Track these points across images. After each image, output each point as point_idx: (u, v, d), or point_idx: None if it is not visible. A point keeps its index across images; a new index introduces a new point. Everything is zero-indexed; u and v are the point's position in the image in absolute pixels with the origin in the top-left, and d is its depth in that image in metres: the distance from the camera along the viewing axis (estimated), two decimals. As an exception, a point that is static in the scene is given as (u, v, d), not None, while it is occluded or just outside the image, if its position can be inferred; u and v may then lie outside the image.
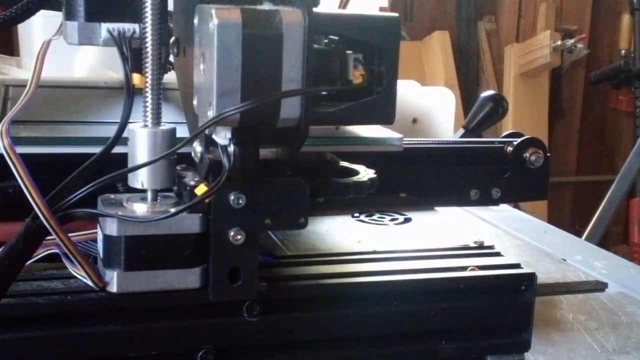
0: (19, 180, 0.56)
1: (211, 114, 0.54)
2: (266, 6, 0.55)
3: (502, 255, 0.76)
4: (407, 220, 0.86)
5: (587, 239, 2.25)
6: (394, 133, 0.80)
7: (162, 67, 0.63)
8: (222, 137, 0.57)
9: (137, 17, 0.62)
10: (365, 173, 0.71)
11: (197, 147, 0.61)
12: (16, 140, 0.58)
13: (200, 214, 0.60)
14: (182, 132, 0.62)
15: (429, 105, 1.15)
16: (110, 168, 0.59)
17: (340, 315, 0.67)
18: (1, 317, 0.58)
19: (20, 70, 1.41)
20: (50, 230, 0.56)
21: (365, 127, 0.81)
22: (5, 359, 0.58)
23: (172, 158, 0.61)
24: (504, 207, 1.30)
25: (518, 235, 1.19)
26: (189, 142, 0.58)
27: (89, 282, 0.59)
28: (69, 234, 0.59)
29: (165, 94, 0.64)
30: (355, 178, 0.70)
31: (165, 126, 0.61)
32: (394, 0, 3.06)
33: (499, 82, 3.28)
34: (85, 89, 0.92)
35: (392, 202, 0.88)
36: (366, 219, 0.85)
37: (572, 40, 3.19)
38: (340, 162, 0.73)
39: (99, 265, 0.61)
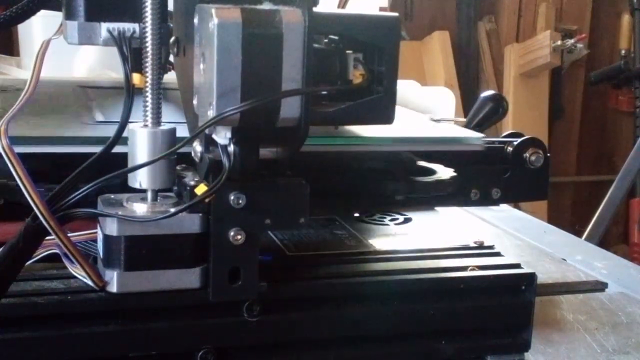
0: (18, 181, 0.56)
1: (211, 113, 0.54)
2: (266, 6, 0.55)
3: (502, 255, 0.76)
4: (407, 220, 0.86)
5: (587, 239, 2.25)
6: (474, 133, 0.80)
7: (162, 67, 0.63)
8: (222, 136, 0.57)
9: (137, 17, 0.62)
10: (444, 171, 0.73)
11: (197, 147, 0.61)
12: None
13: (200, 214, 0.60)
14: (182, 132, 0.62)
15: (429, 105, 1.15)
16: (110, 168, 0.59)
17: (340, 315, 0.67)
18: (1, 317, 0.58)
19: (21, 70, 1.41)
20: (50, 231, 0.56)
21: (444, 127, 0.83)
22: (5, 359, 0.58)
23: (172, 158, 0.61)
24: (504, 207, 1.30)
25: (518, 235, 1.19)
26: (189, 142, 0.58)
27: (89, 282, 0.59)
28: (69, 234, 0.59)
29: (165, 94, 0.64)
30: (436, 176, 0.72)
31: (165, 126, 0.61)
32: (394, 0, 3.06)
33: (499, 82, 3.28)
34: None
35: (393, 202, 0.88)
36: (366, 219, 0.85)
37: (572, 40, 3.19)
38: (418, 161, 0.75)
39: (99, 265, 0.61)
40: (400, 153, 0.76)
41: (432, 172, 0.74)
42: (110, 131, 0.61)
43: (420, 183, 0.71)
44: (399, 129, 0.78)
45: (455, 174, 0.73)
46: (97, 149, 0.60)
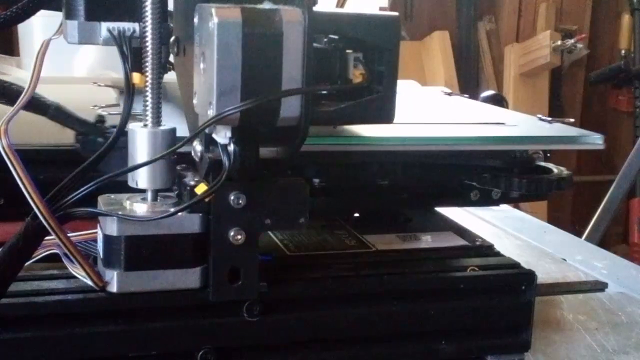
0: (18, 180, 0.56)
1: (211, 113, 0.54)
2: (266, 5, 0.55)
3: (502, 255, 0.76)
4: (407, 220, 0.86)
5: (587, 239, 2.25)
6: (592, 133, 0.82)
7: (162, 66, 0.63)
8: (222, 136, 0.57)
9: (137, 17, 0.62)
10: (560, 170, 0.78)
11: (197, 147, 0.61)
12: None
13: (200, 214, 0.60)
14: (182, 131, 0.62)
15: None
16: (110, 168, 0.59)
17: (340, 315, 0.67)
18: (1, 317, 0.58)
19: (21, 70, 1.41)
20: (50, 230, 0.56)
21: (558, 126, 0.85)
22: (5, 359, 0.58)
23: (172, 158, 0.61)
24: (504, 207, 1.30)
25: (518, 235, 1.19)
26: (189, 141, 0.58)
27: (89, 282, 0.59)
28: (69, 234, 0.59)
29: (165, 94, 0.64)
30: (556, 174, 0.76)
31: (165, 126, 0.61)
32: (393, 0, 3.06)
33: (499, 82, 3.28)
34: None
35: (393, 202, 0.88)
36: (366, 219, 0.85)
37: (572, 40, 3.19)
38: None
39: (99, 265, 0.61)
40: (511, 151, 0.78)
41: (549, 170, 0.78)
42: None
43: (544, 180, 0.75)
44: (518, 129, 0.81)
45: (570, 172, 0.78)
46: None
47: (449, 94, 1.08)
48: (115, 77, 1.01)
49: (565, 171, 0.78)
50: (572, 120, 0.90)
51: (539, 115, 0.91)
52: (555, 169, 0.79)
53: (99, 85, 0.93)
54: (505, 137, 0.79)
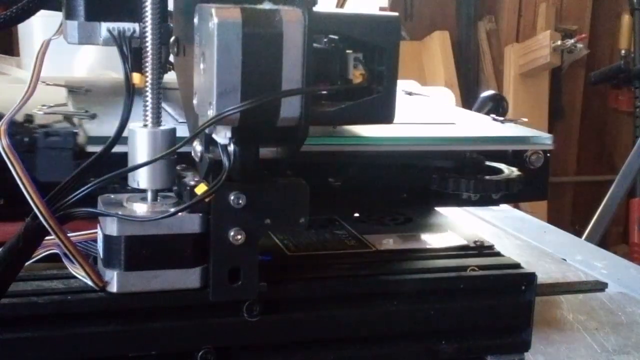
0: (18, 181, 0.56)
1: (211, 113, 0.54)
2: (266, 5, 0.55)
3: (502, 255, 0.76)
4: (407, 220, 0.86)
5: (587, 239, 2.25)
6: (542, 132, 0.82)
7: (162, 66, 0.63)
8: (222, 136, 0.57)
9: (137, 17, 0.62)
10: (511, 170, 0.75)
11: (197, 147, 0.61)
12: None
13: (200, 214, 0.59)
14: (182, 131, 0.62)
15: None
16: (110, 168, 0.59)
17: (340, 315, 0.67)
18: (1, 317, 0.58)
19: (21, 70, 1.41)
20: (50, 230, 0.56)
21: (509, 127, 0.84)
22: (5, 359, 0.58)
23: (172, 158, 0.61)
24: (504, 207, 1.30)
25: (518, 235, 1.19)
26: (189, 141, 0.58)
27: (89, 282, 0.59)
28: (69, 234, 0.59)
29: (165, 94, 0.64)
30: (505, 175, 0.73)
31: (165, 126, 0.61)
32: (393, 0, 3.06)
33: (499, 82, 3.28)
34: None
35: (393, 202, 0.88)
36: (366, 219, 0.85)
37: (572, 40, 3.19)
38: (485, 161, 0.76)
39: (99, 265, 0.61)
40: (464, 152, 0.77)
41: (500, 171, 0.76)
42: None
43: (491, 182, 0.73)
44: (465, 129, 0.80)
45: (520, 173, 0.75)
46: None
47: (409, 94, 1.08)
48: (68, 77, 1.01)
49: (515, 172, 0.76)
50: (525, 119, 0.90)
51: (492, 116, 0.91)
52: (506, 169, 0.77)
53: (47, 85, 0.92)
54: (452, 137, 0.79)
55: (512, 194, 0.77)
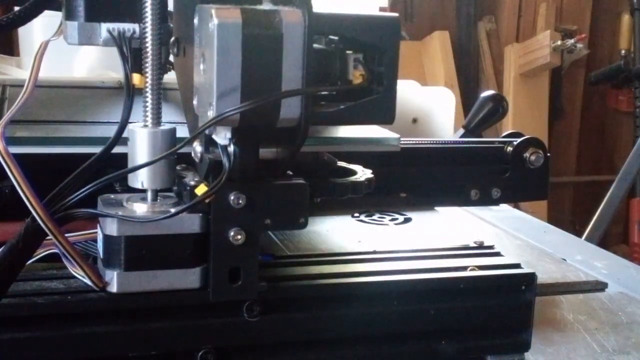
0: (15, 183, 0.56)
1: (211, 114, 0.54)
2: (266, 6, 0.55)
3: (502, 255, 0.76)
4: (407, 220, 0.86)
5: (587, 239, 2.25)
6: (391, 133, 0.80)
7: (162, 67, 0.63)
8: (222, 137, 0.57)
9: (137, 17, 0.62)
10: (362, 173, 0.72)
11: (197, 147, 0.61)
12: (13, 141, 0.58)
13: (200, 214, 0.60)
14: (182, 132, 0.62)
15: (429, 105, 1.15)
16: (110, 168, 0.59)
17: (340, 315, 0.67)
18: (1, 317, 0.58)
19: (20, 70, 1.41)
20: (48, 232, 0.56)
21: (364, 127, 0.81)
22: (5, 359, 0.58)
23: (172, 158, 0.61)
24: (504, 207, 1.30)
25: (518, 235, 1.19)
26: (189, 142, 0.58)
27: (89, 282, 0.59)
28: (69, 234, 0.59)
29: (165, 94, 0.64)
30: (352, 178, 0.70)
31: (165, 126, 0.61)
32: (394, 0, 3.06)
33: (499, 82, 3.28)
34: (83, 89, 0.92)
35: (393, 202, 0.88)
36: (366, 219, 0.85)
37: (572, 40, 3.19)
38: (338, 162, 0.73)
39: (99, 265, 0.61)
40: (320, 154, 0.74)
41: (352, 173, 0.73)
42: (109, 131, 0.61)
43: (335, 184, 0.69)
44: (318, 130, 0.77)
45: (372, 175, 0.72)
46: (96, 149, 0.60)
47: None
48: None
49: (367, 174, 0.72)
50: None
51: None
52: (361, 171, 0.74)
53: None
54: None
55: (508, 194, 0.75)
